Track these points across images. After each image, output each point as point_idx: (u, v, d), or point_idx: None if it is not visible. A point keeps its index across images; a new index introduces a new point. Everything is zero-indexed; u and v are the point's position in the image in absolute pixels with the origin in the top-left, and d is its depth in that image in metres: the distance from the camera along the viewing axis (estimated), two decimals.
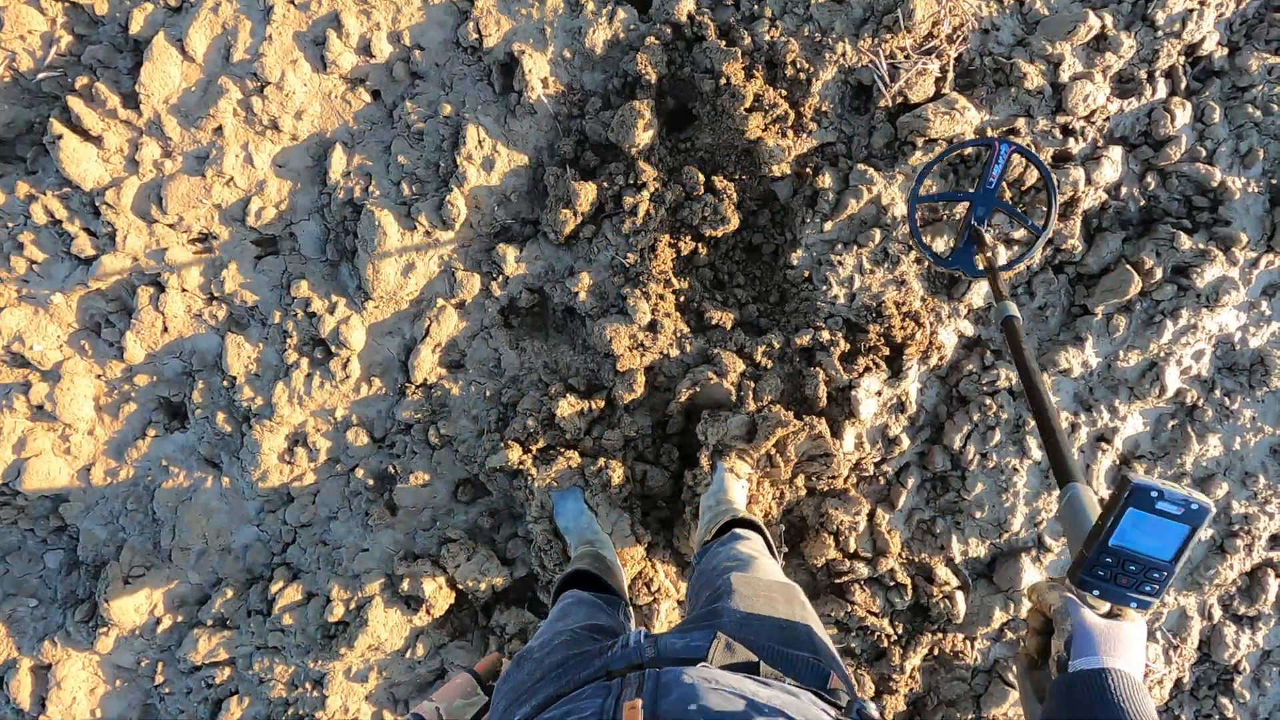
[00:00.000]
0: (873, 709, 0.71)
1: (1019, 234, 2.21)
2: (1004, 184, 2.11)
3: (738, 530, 1.70)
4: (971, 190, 2.08)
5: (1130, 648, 0.85)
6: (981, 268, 1.93)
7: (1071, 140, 2.21)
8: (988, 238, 1.98)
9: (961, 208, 2.12)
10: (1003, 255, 2.21)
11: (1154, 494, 0.84)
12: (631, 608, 2.02)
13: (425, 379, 2.26)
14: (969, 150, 2.17)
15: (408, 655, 2.30)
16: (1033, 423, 2.28)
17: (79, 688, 2.30)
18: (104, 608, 2.23)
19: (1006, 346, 1.46)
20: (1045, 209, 2.02)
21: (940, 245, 2.19)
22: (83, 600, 2.33)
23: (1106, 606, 0.89)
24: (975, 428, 2.30)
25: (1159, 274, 2.21)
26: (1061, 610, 0.88)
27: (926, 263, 2.24)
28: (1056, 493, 2.28)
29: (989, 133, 2.20)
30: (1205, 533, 0.86)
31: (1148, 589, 0.87)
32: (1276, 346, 2.32)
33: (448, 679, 1.42)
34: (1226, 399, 2.34)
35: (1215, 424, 2.33)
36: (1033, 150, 2.00)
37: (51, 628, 2.32)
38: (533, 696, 0.90)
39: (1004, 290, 1.69)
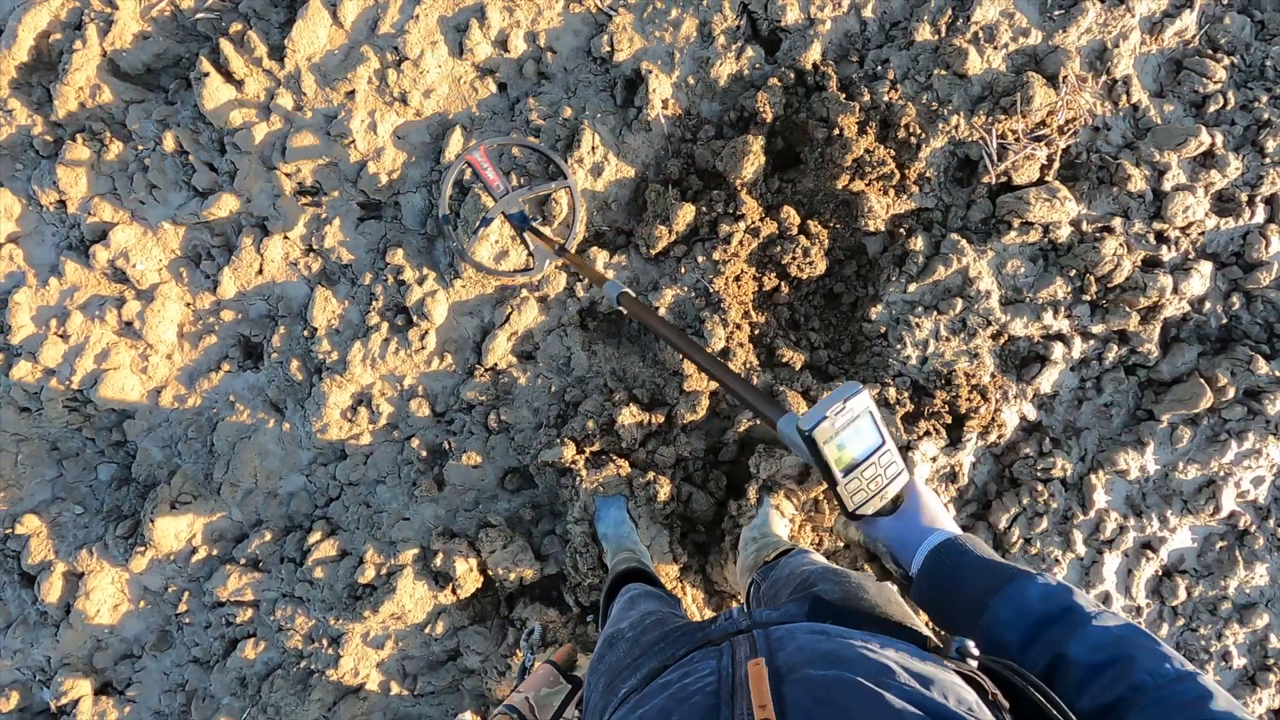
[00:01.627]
0: (972, 646, 0.73)
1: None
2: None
3: (801, 548, 1.72)
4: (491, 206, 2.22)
5: (922, 512, 0.97)
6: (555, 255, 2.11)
7: (1164, 248, 2.25)
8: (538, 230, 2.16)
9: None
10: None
11: (823, 421, 0.91)
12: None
13: (495, 364, 2.31)
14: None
15: (426, 631, 2.32)
16: (1082, 516, 2.28)
17: (105, 601, 2.34)
18: (147, 527, 2.28)
19: (637, 317, 1.54)
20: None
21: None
22: (126, 517, 2.38)
23: (885, 502, 0.99)
24: (1023, 511, 2.30)
25: (1231, 393, 2.22)
26: (867, 539, 1.00)
27: (1003, 340, 2.27)
28: (1096, 592, 2.27)
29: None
30: (870, 399, 0.96)
31: (890, 467, 0.97)
32: None
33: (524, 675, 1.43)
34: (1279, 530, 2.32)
35: (1265, 553, 2.32)
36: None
37: (91, 538, 2.37)
38: (635, 672, 0.91)
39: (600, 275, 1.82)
